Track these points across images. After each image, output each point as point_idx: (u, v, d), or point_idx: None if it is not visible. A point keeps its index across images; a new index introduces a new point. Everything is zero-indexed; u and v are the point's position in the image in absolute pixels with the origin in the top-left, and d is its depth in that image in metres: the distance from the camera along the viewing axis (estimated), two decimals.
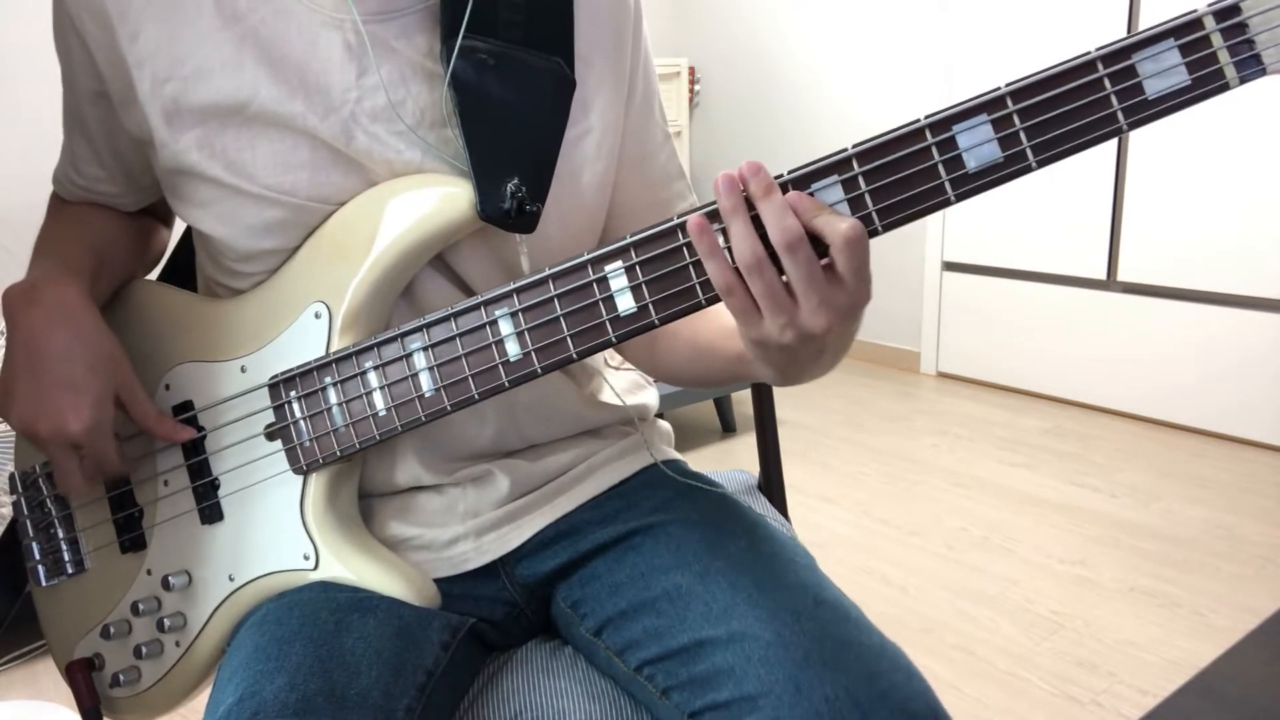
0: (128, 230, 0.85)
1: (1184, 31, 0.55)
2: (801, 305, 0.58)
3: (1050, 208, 2.97)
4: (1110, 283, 2.91)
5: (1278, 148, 2.51)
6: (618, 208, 0.83)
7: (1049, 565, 2.07)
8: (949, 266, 3.33)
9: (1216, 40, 0.54)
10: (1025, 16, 2.94)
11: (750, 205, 0.59)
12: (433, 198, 0.70)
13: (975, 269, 3.25)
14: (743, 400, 2.96)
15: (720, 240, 0.60)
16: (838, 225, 0.57)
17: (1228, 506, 2.32)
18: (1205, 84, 0.55)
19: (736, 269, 0.59)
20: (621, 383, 0.90)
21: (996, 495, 2.43)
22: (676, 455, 0.91)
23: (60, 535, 0.82)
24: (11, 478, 0.84)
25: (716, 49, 3.89)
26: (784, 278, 0.59)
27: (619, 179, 0.81)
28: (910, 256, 3.41)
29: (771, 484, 1.12)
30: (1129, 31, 2.70)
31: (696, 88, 3.95)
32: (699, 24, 3.92)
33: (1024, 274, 3.12)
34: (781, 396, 3.17)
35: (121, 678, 0.80)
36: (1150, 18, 2.67)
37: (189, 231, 0.87)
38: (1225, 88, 0.55)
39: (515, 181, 0.69)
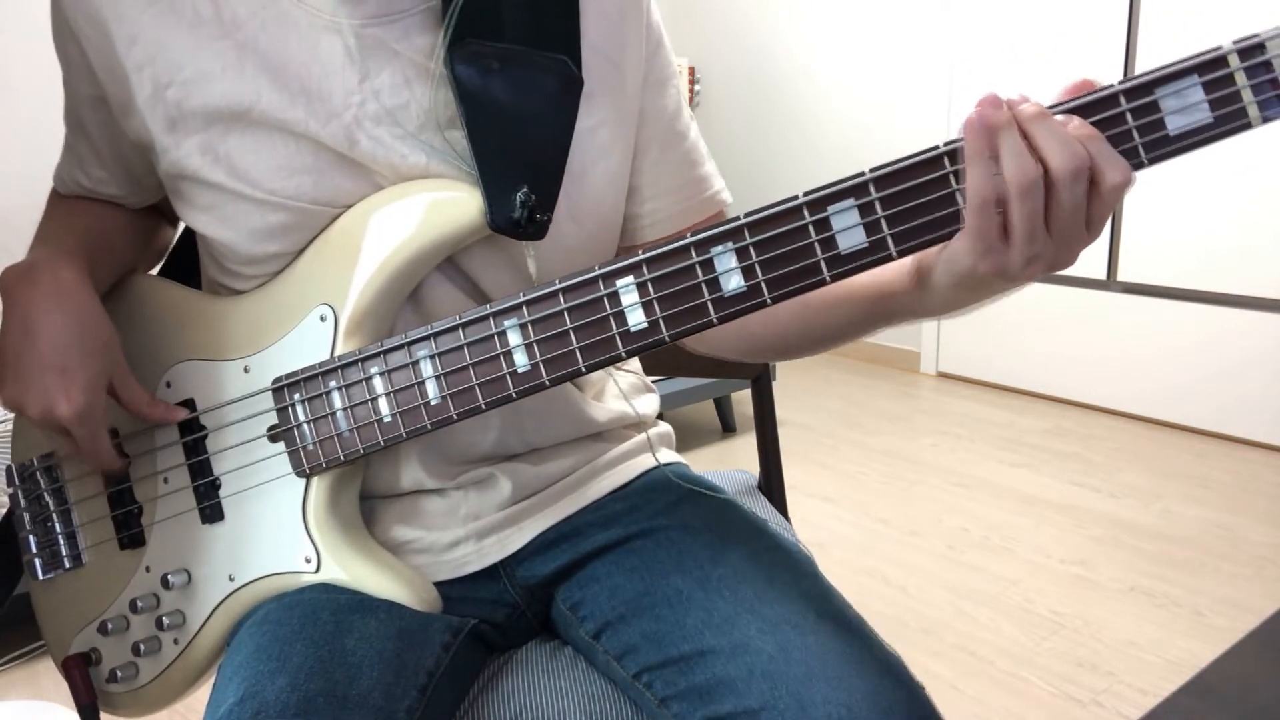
0: (128, 223, 0.84)
1: (1208, 68, 0.54)
2: (1056, 239, 0.56)
3: None
4: (1110, 283, 2.91)
5: (1278, 148, 2.51)
6: (650, 189, 0.80)
7: (1049, 565, 2.07)
8: None
9: (1241, 78, 0.53)
10: (1026, 16, 2.94)
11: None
12: (441, 203, 0.70)
13: None
14: (743, 400, 2.96)
15: (991, 148, 0.55)
16: (1111, 167, 0.54)
17: (1228, 506, 2.32)
18: (1228, 122, 0.54)
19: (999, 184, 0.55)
20: (623, 385, 0.90)
21: (996, 495, 2.43)
22: (678, 458, 0.91)
23: (58, 529, 0.82)
24: (8, 470, 0.84)
25: (716, 49, 3.89)
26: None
27: (650, 160, 0.79)
28: None
29: (771, 484, 1.12)
30: (1128, 31, 2.71)
31: (696, 88, 3.95)
32: (699, 24, 3.92)
33: None
34: (781, 396, 3.17)
35: (119, 674, 0.80)
36: (1150, 14, 2.67)
37: (191, 228, 0.87)
38: (1247, 126, 0.54)
39: (525, 191, 0.68)
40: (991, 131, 0.54)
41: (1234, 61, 0.54)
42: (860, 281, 0.66)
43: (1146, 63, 2.70)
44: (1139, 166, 0.56)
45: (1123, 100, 0.55)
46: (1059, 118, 0.55)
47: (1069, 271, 3.16)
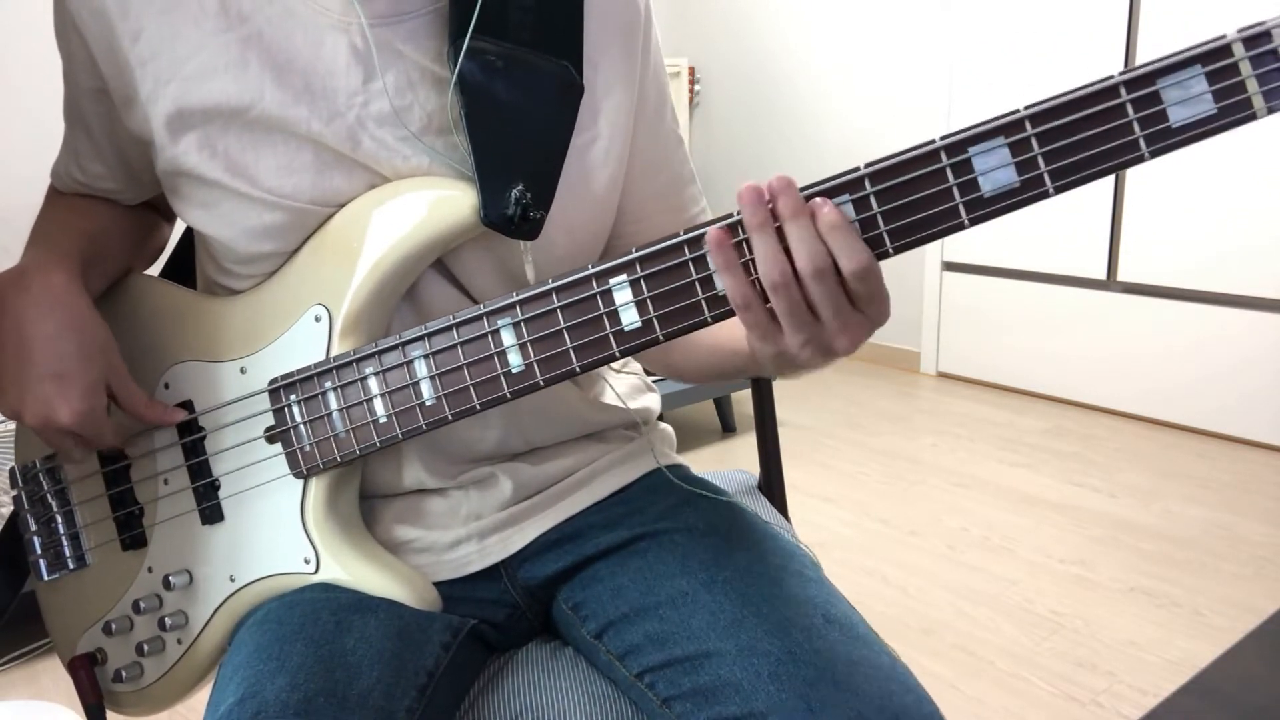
0: (124, 221, 0.84)
1: (1212, 58, 0.53)
2: (826, 325, 0.59)
3: (1050, 207, 2.98)
4: (1110, 283, 2.91)
5: (1277, 148, 2.51)
6: (630, 213, 0.82)
7: (1049, 565, 2.07)
8: (949, 266, 3.33)
9: (1245, 68, 0.52)
10: (1026, 16, 2.94)
11: (774, 218, 0.58)
12: (434, 201, 0.70)
13: (975, 269, 3.25)
14: (743, 400, 2.96)
15: (738, 254, 0.59)
16: (847, 257, 0.57)
17: (1228, 506, 2.32)
18: (1231, 113, 0.53)
19: (755, 283, 0.59)
20: (624, 385, 0.90)
21: (996, 495, 2.43)
22: (679, 460, 0.91)
23: (61, 530, 0.82)
24: (12, 472, 0.84)
25: (716, 49, 3.89)
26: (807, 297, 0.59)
27: (632, 185, 0.81)
28: (910, 256, 3.41)
29: (772, 484, 1.12)
30: (1128, 31, 2.71)
31: (696, 88, 3.95)
32: (699, 24, 3.92)
33: (1024, 274, 3.12)
34: (781, 397, 3.17)
35: (124, 673, 0.80)
36: (1150, 14, 2.67)
37: (189, 228, 0.87)
38: (1252, 118, 0.53)
39: (520, 188, 0.69)
40: (749, 231, 0.58)
41: (1238, 51, 0.52)
42: (735, 335, 0.71)
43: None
44: (1139, 160, 0.55)
45: (1123, 91, 0.54)
46: (817, 201, 0.57)
47: (1069, 271, 3.18)
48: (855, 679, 0.63)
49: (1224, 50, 0.53)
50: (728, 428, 2.94)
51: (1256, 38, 0.52)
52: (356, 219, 0.72)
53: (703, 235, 0.61)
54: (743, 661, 0.66)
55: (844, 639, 0.67)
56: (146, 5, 0.70)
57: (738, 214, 0.61)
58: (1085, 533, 2.21)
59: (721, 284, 0.60)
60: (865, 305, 0.59)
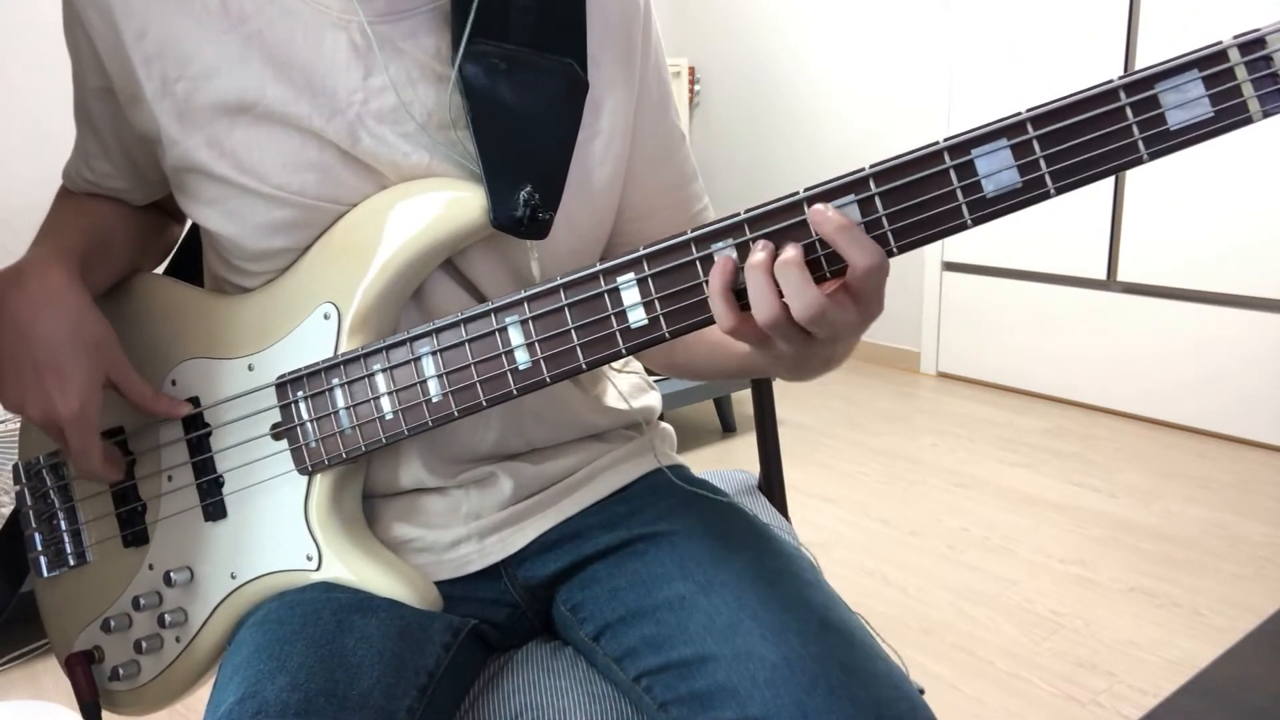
0: (132, 221, 0.85)
1: (1208, 63, 0.54)
2: (817, 336, 0.59)
3: (1050, 208, 2.98)
4: (1110, 283, 2.91)
5: (1277, 148, 2.51)
6: (634, 209, 0.82)
7: (1049, 565, 2.07)
8: (949, 266, 3.33)
9: (1241, 73, 0.53)
10: (1026, 16, 2.94)
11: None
12: (445, 202, 0.70)
13: (975, 269, 3.25)
14: (743, 400, 2.96)
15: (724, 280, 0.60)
16: (859, 253, 0.57)
17: (1228, 506, 2.32)
18: (1228, 116, 0.54)
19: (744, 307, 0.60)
20: (625, 385, 0.90)
21: (996, 495, 2.44)
22: (680, 460, 0.91)
23: (63, 527, 0.82)
24: (15, 468, 0.84)
25: (716, 49, 3.89)
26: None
27: (635, 180, 0.81)
28: (910, 256, 3.41)
29: (772, 484, 1.12)
30: (1128, 31, 2.71)
31: (696, 88, 3.95)
32: (699, 24, 3.92)
33: (1024, 274, 3.12)
34: (781, 397, 3.17)
35: (121, 671, 0.80)
36: (1150, 14, 2.67)
37: (195, 226, 0.87)
38: (1248, 120, 0.54)
39: (529, 189, 0.69)
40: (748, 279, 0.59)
41: (1234, 56, 0.53)
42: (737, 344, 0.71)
43: (1146, 63, 2.70)
44: (1138, 162, 0.56)
45: (1123, 95, 0.55)
46: (819, 207, 0.58)
47: (1069, 271, 3.17)
48: (850, 685, 0.63)
49: (1220, 56, 0.54)
50: (728, 428, 2.94)
51: (1252, 44, 0.53)
52: (367, 218, 0.72)
53: (709, 234, 0.62)
54: (739, 666, 0.66)
55: (840, 644, 0.67)
56: (150, 5, 0.70)
57: (742, 213, 0.61)
58: (1085, 533, 2.21)
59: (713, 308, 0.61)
60: (864, 301, 0.59)
